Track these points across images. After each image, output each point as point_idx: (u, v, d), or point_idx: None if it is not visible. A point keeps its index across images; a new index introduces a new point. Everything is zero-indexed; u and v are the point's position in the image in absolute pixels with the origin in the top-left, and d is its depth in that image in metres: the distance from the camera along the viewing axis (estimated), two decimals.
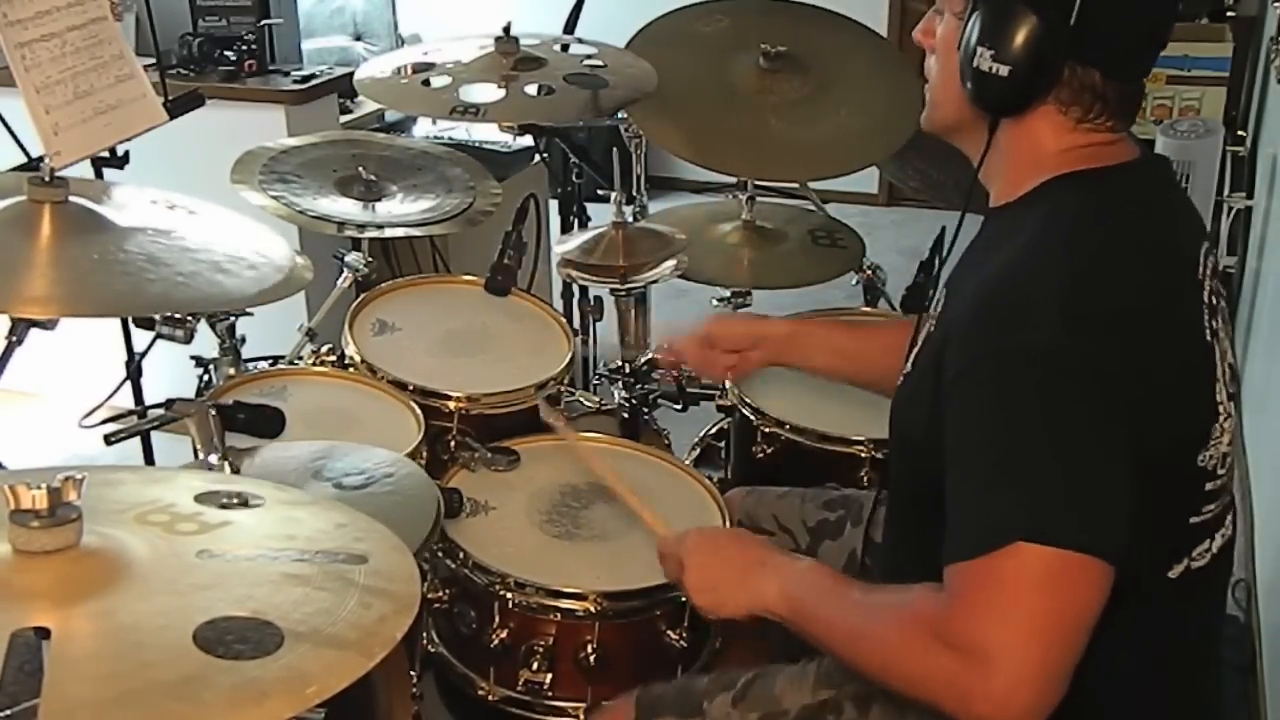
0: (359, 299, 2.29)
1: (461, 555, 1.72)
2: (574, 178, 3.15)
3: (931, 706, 1.13)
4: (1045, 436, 1.13)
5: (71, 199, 1.43)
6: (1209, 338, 1.23)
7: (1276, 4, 3.69)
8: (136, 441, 2.50)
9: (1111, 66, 1.24)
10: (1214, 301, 1.25)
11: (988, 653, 1.08)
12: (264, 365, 2.50)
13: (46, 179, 1.41)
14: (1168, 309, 1.20)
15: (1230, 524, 1.31)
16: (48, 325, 1.57)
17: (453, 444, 1.98)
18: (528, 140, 3.17)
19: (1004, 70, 1.23)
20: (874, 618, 1.22)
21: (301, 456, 1.66)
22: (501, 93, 2.28)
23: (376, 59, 2.57)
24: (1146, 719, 1.31)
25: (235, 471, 1.47)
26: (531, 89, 2.32)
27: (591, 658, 1.66)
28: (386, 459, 1.66)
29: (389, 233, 2.38)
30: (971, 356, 1.18)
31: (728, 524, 1.78)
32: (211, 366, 2.41)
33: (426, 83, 2.31)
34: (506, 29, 2.42)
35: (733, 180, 2.78)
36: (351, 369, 2.12)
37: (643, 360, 2.44)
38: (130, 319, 2.32)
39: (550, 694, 1.68)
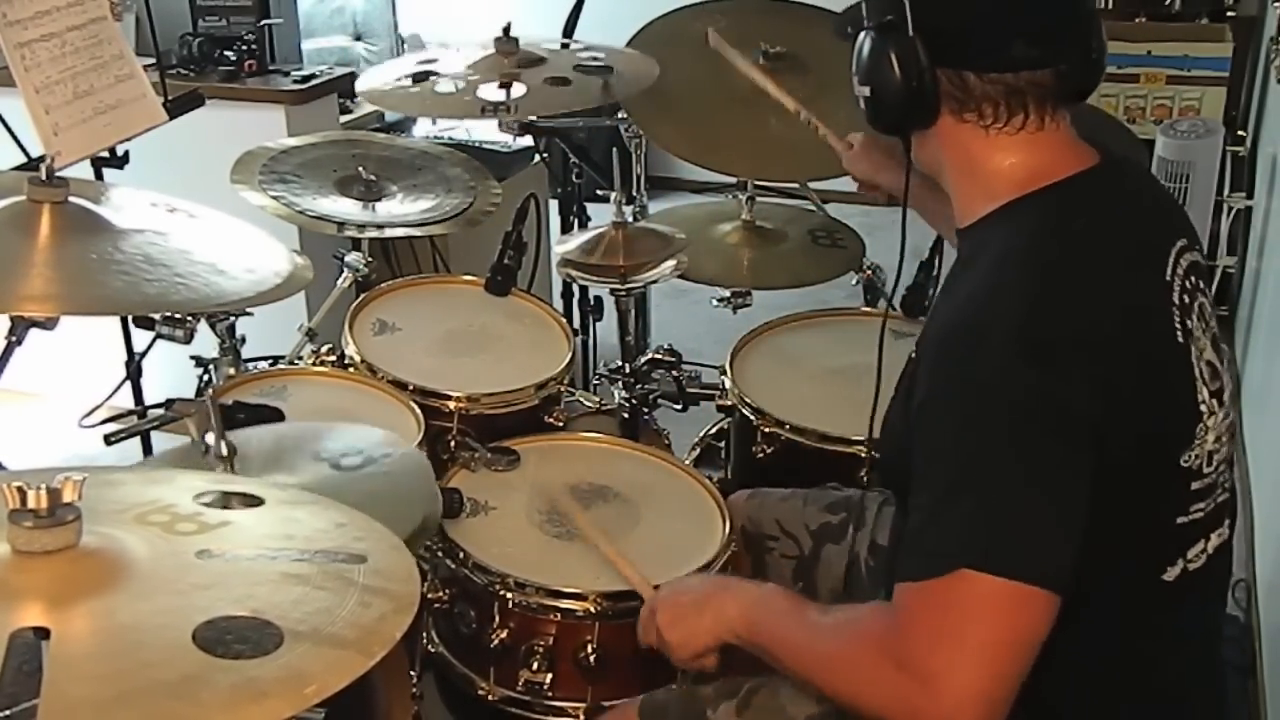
0: (359, 299, 2.29)
1: (461, 555, 1.72)
2: (574, 178, 3.15)
3: None
4: (997, 467, 1.14)
5: (71, 199, 1.43)
6: (1180, 339, 1.22)
7: (1276, 4, 3.69)
8: (136, 441, 2.49)
9: (978, 63, 1.24)
10: (1186, 300, 1.24)
11: (933, 675, 1.10)
12: (264, 365, 2.49)
13: (46, 179, 1.41)
14: (1130, 321, 1.20)
15: (1228, 524, 1.31)
16: (47, 325, 1.56)
17: (453, 444, 1.98)
18: (528, 140, 3.17)
19: (866, 91, 1.30)
20: (828, 637, 1.25)
21: (299, 436, 1.65)
22: (523, 88, 2.31)
23: (376, 69, 2.58)
24: None
25: (233, 452, 1.46)
26: (547, 82, 2.35)
27: (591, 658, 1.66)
28: (378, 438, 1.65)
29: (389, 233, 2.38)
30: (932, 386, 1.20)
31: (728, 526, 1.78)
32: (211, 366, 2.40)
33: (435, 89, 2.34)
34: (506, 29, 2.42)
35: (733, 180, 2.77)
36: (351, 369, 2.12)
37: (643, 360, 2.44)
38: (130, 319, 2.32)
39: (550, 694, 1.68)
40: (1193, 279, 1.27)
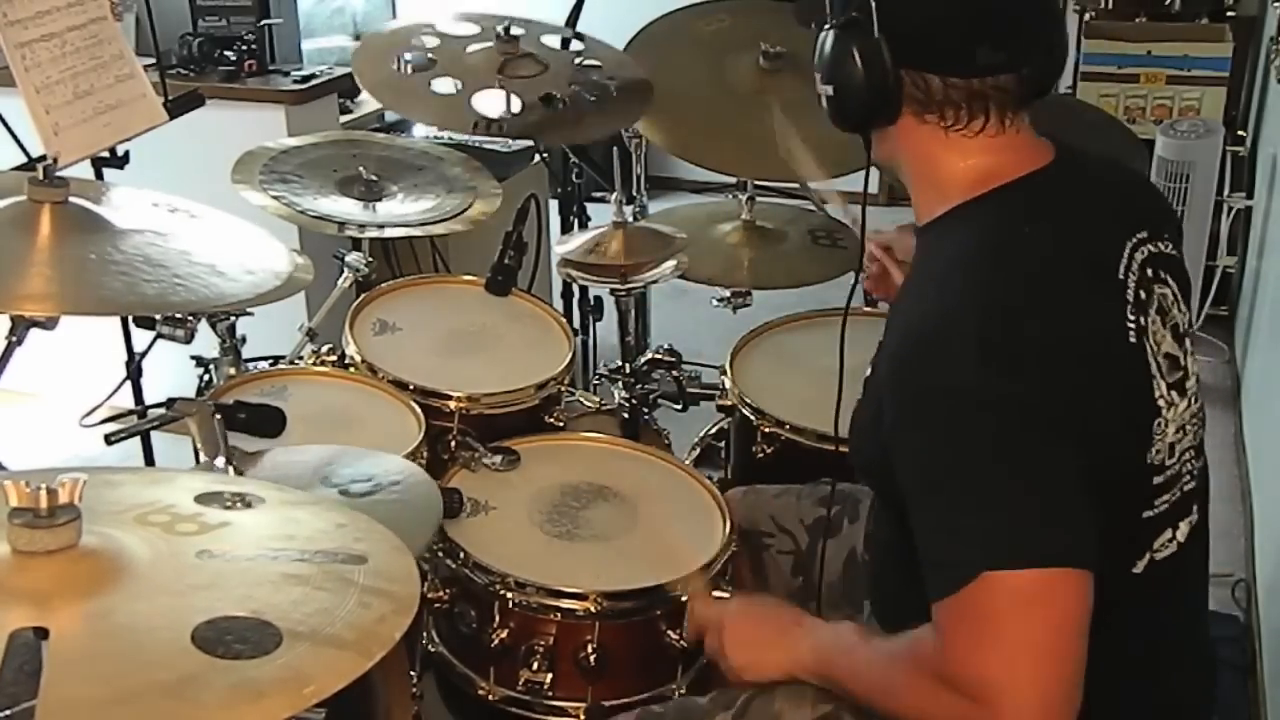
0: (359, 299, 2.29)
1: (461, 555, 1.72)
2: (574, 178, 3.15)
3: None
4: (983, 467, 1.14)
5: (71, 199, 1.43)
6: (1134, 339, 1.22)
7: (1276, 4, 3.69)
8: (136, 441, 2.50)
9: (941, 67, 1.23)
10: (1142, 296, 1.24)
11: (987, 687, 1.10)
12: (264, 365, 2.49)
13: (44, 179, 1.41)
14: (1079, 327, 1.19)
15: (1198, 510, 1.31)
16: (47, 325, 1.57)
17: (453, 444, 1.98)
18: (528, 140, 3.17)
19: (830, 90, 1.31)
20: (888, 669, 1.25)
21: (309, 461, 1.65)
22: (518, 105, 2.32)
23: (372, 35, 2.58)
24: (1130, 717, 1.31)
25: (239, 474, 1.47)
26: (543, 98, 2.35)
27: (591, 658, 1.66)
28: (394, 466, 1.66)
29: (389, 233, 2.38)
30: (900, 400, 1.20)
31: (727, 525, 1.78)
32: (212, 366, 2.40)
33: (429, 85, 2.33)
34: (507, 29, 2.42)
35: (733, 180, 2.78)
36: (352, 369, 2.12)
37: (643, 360, 2.44)
38: (130, 319, 2.32)
39: (550, 694, 1.68)
40: (1150, 270, 1.26)
